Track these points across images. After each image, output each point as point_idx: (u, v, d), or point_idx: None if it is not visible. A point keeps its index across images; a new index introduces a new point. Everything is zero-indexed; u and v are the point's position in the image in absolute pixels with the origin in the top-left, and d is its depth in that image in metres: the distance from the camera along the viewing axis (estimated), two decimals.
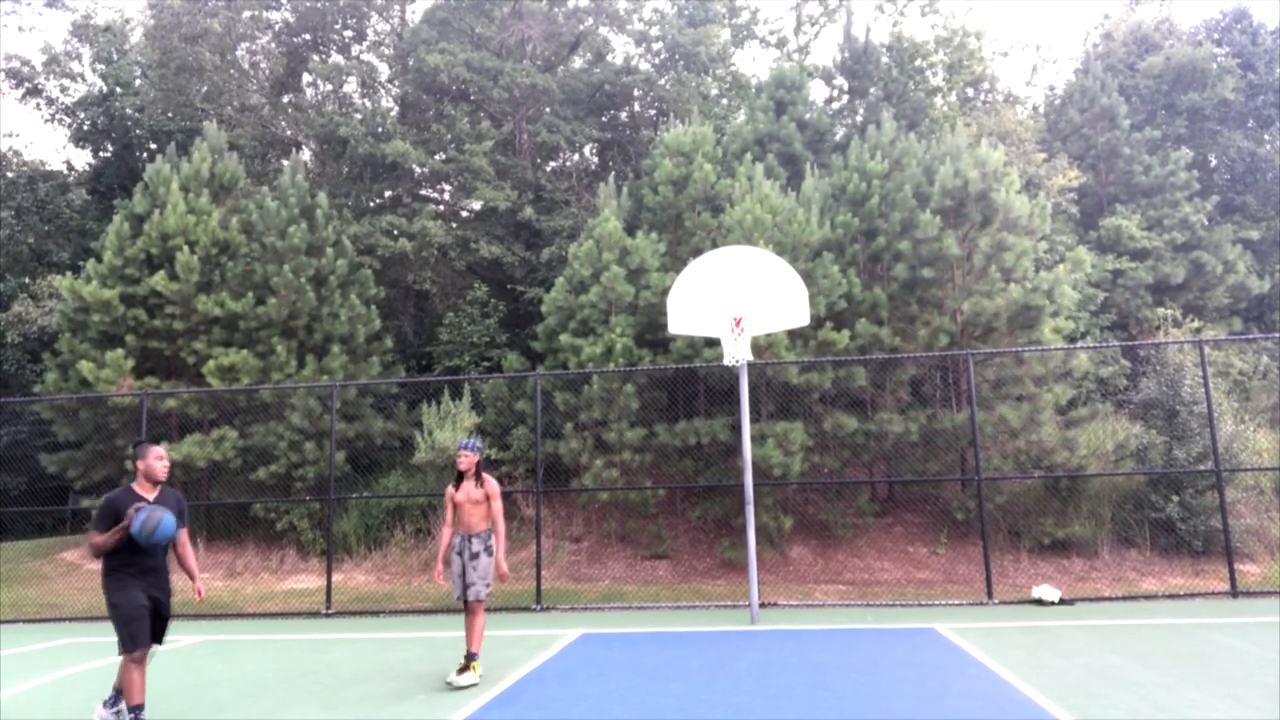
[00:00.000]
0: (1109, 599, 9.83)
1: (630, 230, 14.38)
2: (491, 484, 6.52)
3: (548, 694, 5.87)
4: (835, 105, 20.12)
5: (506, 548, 13.13)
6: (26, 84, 23.09)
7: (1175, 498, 11.27)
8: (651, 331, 13.12)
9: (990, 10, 42.19)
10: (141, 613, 5.03)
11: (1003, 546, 11.66)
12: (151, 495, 5.20)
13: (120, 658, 5.09)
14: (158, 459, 5.27)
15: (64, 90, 23.32)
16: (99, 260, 14.62)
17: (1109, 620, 8.33)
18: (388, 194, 19.37)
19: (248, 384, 13.44)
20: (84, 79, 23.47)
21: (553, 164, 21.26)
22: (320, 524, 13.20)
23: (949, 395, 13.27)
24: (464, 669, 6.28)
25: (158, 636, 5.23)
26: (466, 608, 6.39)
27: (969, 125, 16.99)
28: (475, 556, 6.36)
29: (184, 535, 5.47)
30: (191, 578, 5.46)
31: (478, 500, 6.45)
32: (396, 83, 20.99)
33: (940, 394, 13.28)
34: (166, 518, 5.01)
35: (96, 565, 13.85)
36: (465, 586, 6.35)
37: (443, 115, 18.73)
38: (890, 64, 18.95)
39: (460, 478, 6.50)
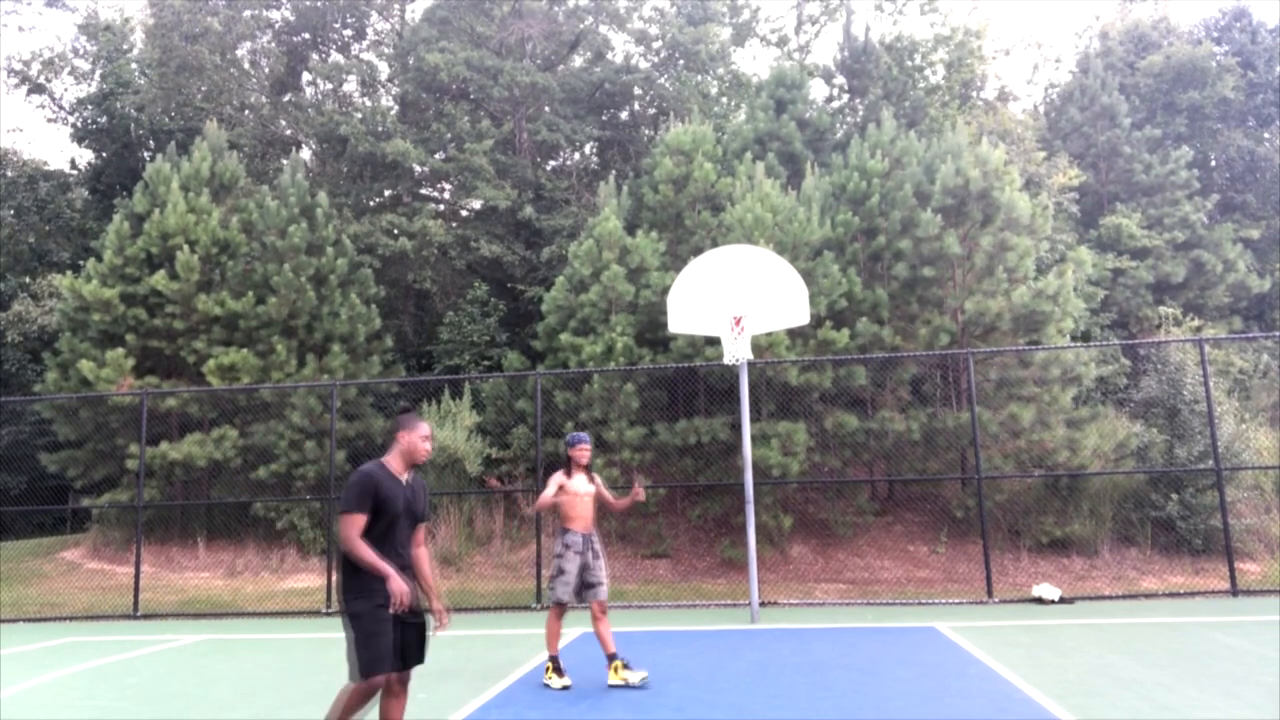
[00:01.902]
0: (1109, 598, 9.83)
1: (630, 229, 14.38)
2: (597, 478, 6.38)
3: (547, 694, 5.87)
4: (835, 104, 20.10)
5: (508, 546, 13.17)
6: (30, 82, 23.12)
7: (1175, 496, 11.27)
8: (652, 330, 13.12)
9: (991, 9, 42.21)
10: (387, 628, 3.92)
11: (1003, 545, 11.66)
12: (405, 477, 4.16)
13: (350, 684, 3.94)
14: (424, 438, 4.19)
15: (74, 84, 23.40)
16: (99, 259, 14.62)
17: (1109, 619, 8.33)
18: (388, 193, 19.36)
19: (248, 383, 13.44)
20: (90, 78, 23.48)
21: (553, 163, 21.25)
22: (320, 523, 13.20)
23: (949, 394, 13.27)
24: (625, 666, 5.99)
25: (416, 656, 4.11)
26: (582, 609, 6.07)
27: (969, 124, 16.97)
28: (598, 556, 6.15)
29: (421, 535, 4.29)
30: (428, 594, 4.23)
31: (593, 495, 6.24)
32: (396, 81, 20.98)
33: (941, 393, 13.28)
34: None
35: (96, 564, 13.85)
36: (588, 586, 6.03)
37: (443, 114, 18.72)
38: (890, 63, 18.94)
39: (569, 470, 6.20)
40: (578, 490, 6.13)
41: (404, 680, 4.10)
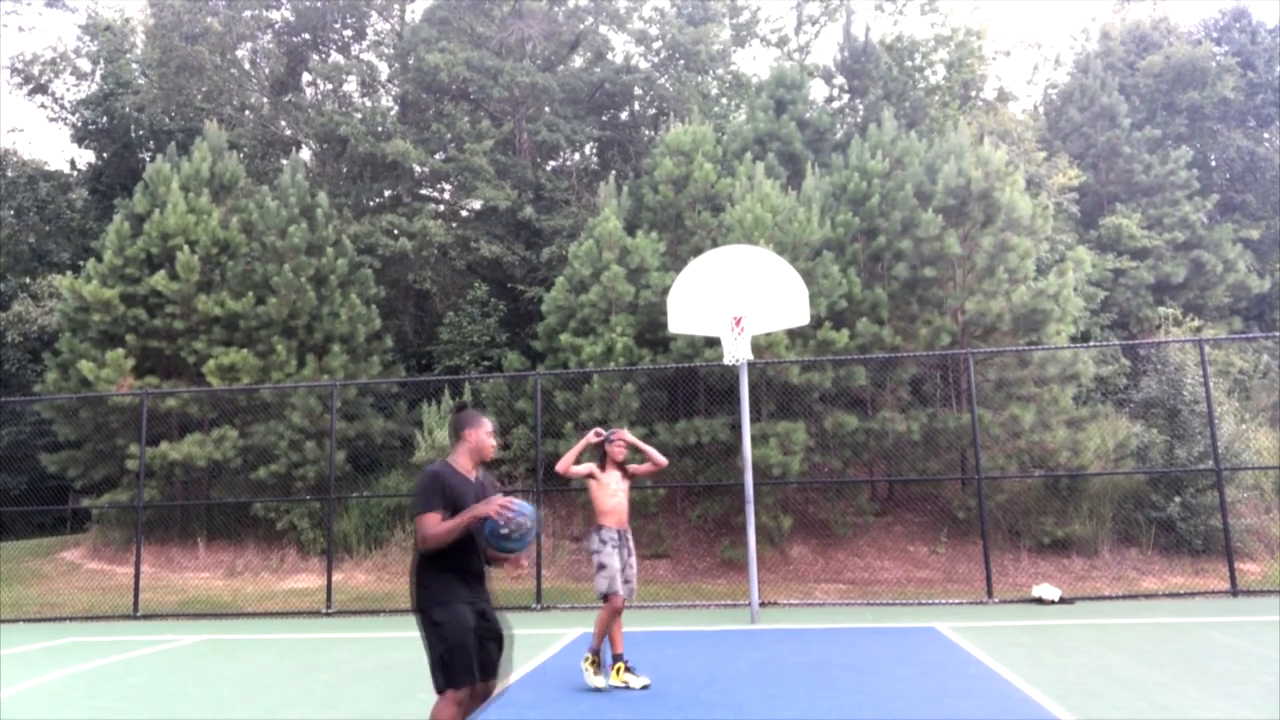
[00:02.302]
0: (1109, 598, 9.84)
1: (630, 229, 14.37)
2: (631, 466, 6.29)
3: (547, 694, 5.87)
4: (835, 104, 20.10)
5: None
6: (32, 81, 23.11)
7: (1176, 497, 11.27)
8: (652, 331, 13.12)
9: (992, 9, 42.23)
10: (469, 638, 3.73)
11: (1003, 545, 11.66)
12: (474, 475, 4.02)
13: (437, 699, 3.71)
14: (489, 434, 4.05)
15: (75, 85, 23.39)
16: (99, 260, 14.62)
17: (1109, 619, 8.33)
18: (388, 193, 19.36)
19: (248, 383, 13.44)
20: (91, 77, 23.48)
21: (553, 163, 21.25)
22: (320, 523, 13.21)
23: (949, 395, 13.27)
24: (629, 669, 5.94)
25: (493, 668, 3.85)
26: (614, 605, 5.91)
27: (970, 125, 16.98)
28: (631, 553, 6.09)
29: None
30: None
31: (626, 491, 6.17)
32: (396, 82, 20.98)
33: (941, 393, 13.28)
34: (532, 526, 3.80)
35: (96, 565, 13.85)
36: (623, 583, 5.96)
37: (443, 114, 18.71)
38: (890, 63, 18.94)
39: (604, 465, 6.13)
40: (609, 484, 6.08)
41: (486, 693, 3.85)
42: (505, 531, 3.71)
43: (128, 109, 21.45)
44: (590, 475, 6.09)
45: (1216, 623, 7.83)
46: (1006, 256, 12.47)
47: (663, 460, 6.31)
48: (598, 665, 5.96)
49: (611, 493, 6.08)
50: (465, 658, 3.70)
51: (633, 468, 6.30)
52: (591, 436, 6.09)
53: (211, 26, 18.46)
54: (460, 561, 3.78)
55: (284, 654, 7.87)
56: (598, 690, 5.86)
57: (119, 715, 5.68)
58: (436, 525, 3.69)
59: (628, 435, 6.28)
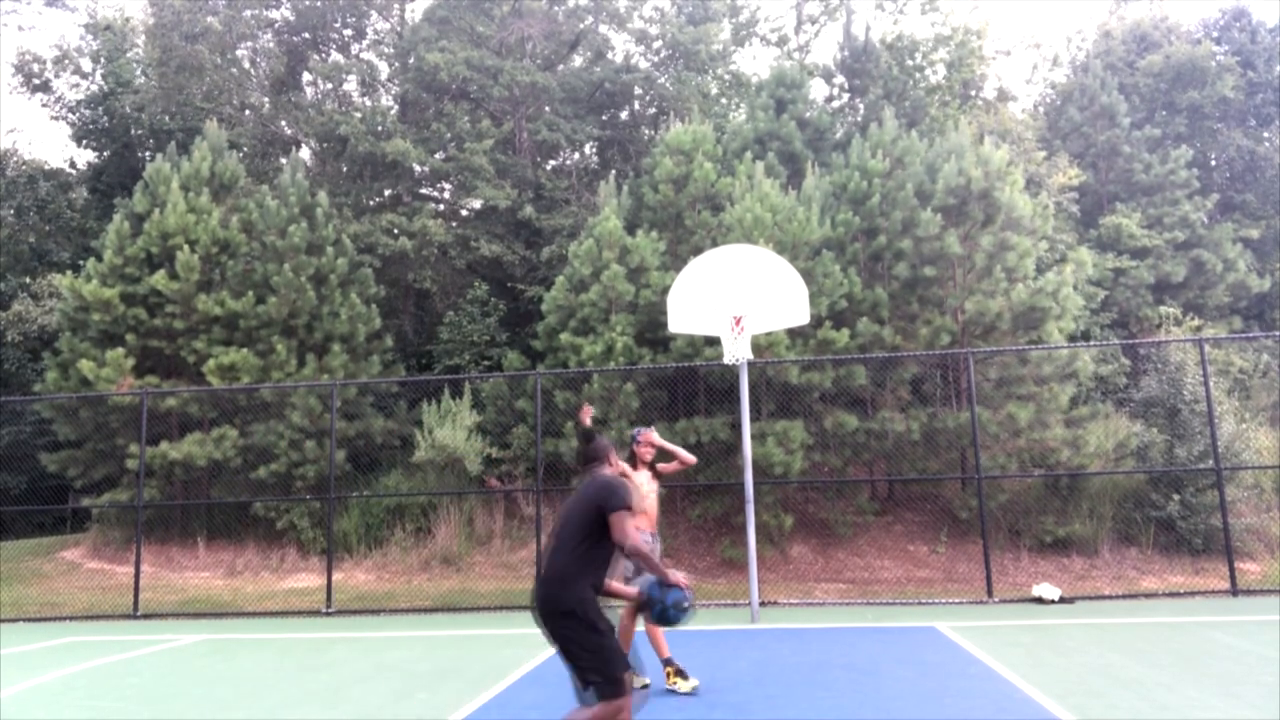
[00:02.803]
0: (1109, 597, 9.84)
1: (630, 229, 14.37)
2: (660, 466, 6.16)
3: (547, 694, 5.87)
4: (835, 104, 20.10)
5: (508, 546, 13.16)
6: (35, 80, 23.08)
7: (1176, 496, 11.27)
8: (652, 330, 13.12)
9: (992, 9, 42.21)
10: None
11: (1003, 545, 11.66)
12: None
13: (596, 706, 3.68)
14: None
15: (75, 87, 23.36)
16: (99, 259, 14.62)
17: (1109, 619, 8.34)
18: (388, 192, 19.35)
19: (248, 383, 13.44)
20: (93, 77, 23.47)
21: (553, 162, 21.24)
22: (320, 523, 13.21)
23: (949, 394, 13.27)
24: (679, 673, 5.79)
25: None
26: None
27: (970, 124, 16.97)
28: (659, 556, 5.96)
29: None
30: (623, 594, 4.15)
31: (656, 493, 6.04)
32: (396, 81, 20.98)
33: (941, 393, 13.28)
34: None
35: (96, 564, 13.85)
36: None
37: (443, 114, 18.71)
38: (890, 62, 18.93)
39: (634, 465, 6.00)
40: (640, 485, 5.94)
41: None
42: (686, 605, 3.78)
43: (128, 108, 21.44)
44: (621, 475, 5.99)
45: (1216, 622, 7.83)
46: (1006, 256, 12.47)
47: (690, 459, 6.20)
48: (680, 673, 5.76)
49: (643, 495, 5.94)
50: (628, 667, 3.75)
51: (661, 467, 6.20)
52: (584, 416, 5.86)
53: (211, 26, 18.45)
54: (604, 577, 3.89)
55: (284, 654, 7.87)
56: (689, 693, 5.66)
57: (119, 715, 5.69)
58: (638, 538, 3.80)
59: (655, 437, 6.11)
